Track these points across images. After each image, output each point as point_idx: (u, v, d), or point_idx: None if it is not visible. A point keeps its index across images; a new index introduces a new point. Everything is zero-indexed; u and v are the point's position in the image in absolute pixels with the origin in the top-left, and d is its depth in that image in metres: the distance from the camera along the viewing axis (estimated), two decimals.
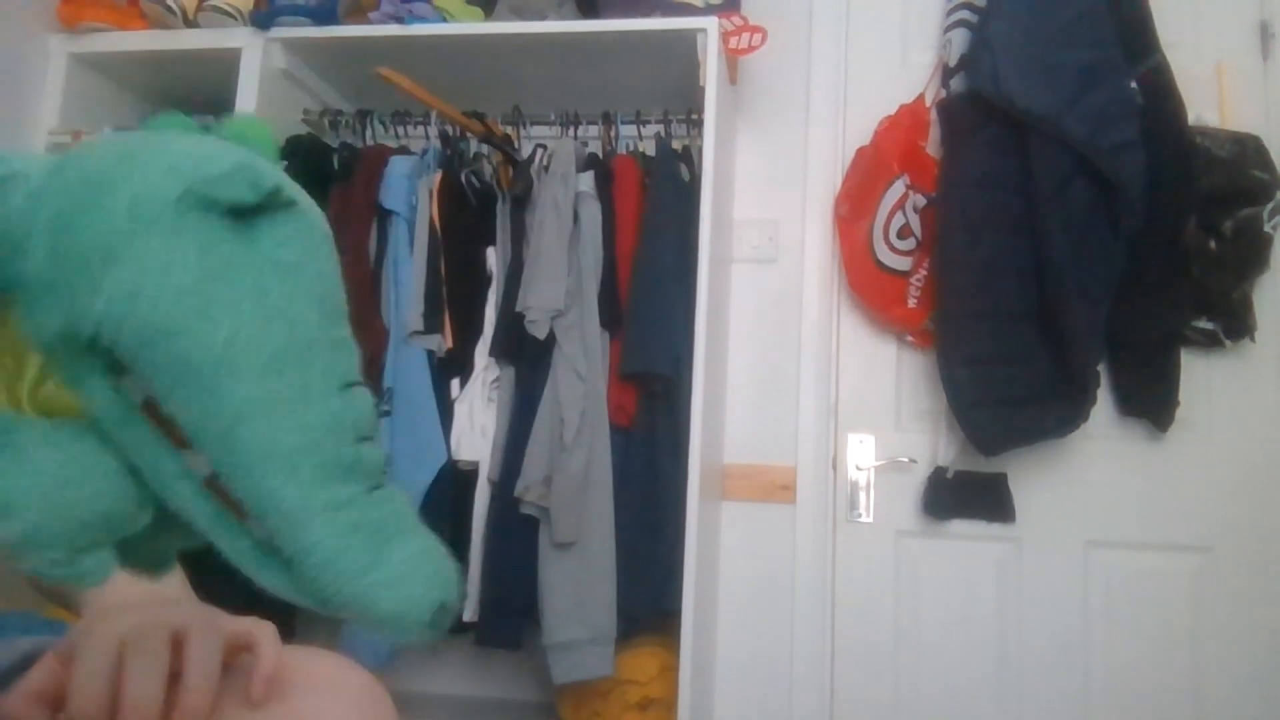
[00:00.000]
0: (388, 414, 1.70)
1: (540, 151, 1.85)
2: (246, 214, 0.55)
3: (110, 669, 0.50)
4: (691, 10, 1.79)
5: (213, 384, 0.54)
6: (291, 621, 1.77)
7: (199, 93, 1.87)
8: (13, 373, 0.60)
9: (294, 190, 0.60)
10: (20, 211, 0.54)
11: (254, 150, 0.62)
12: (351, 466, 0.58)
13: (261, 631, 0.58)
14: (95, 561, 0.59)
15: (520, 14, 1.82)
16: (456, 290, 1.76)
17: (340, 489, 0.57)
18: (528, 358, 1.72)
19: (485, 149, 1.91)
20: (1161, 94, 1.76)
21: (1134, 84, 1.75)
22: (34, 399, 0.60)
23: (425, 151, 1.85)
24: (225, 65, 1.81)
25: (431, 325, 1.73)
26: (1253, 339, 1.83)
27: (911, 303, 1.90)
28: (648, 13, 1.76)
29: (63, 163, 0.56)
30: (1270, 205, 1.77)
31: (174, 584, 0.60)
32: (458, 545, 1.69)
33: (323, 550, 0.56)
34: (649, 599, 1.66)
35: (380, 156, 1.84)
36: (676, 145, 1.86)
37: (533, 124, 1.91)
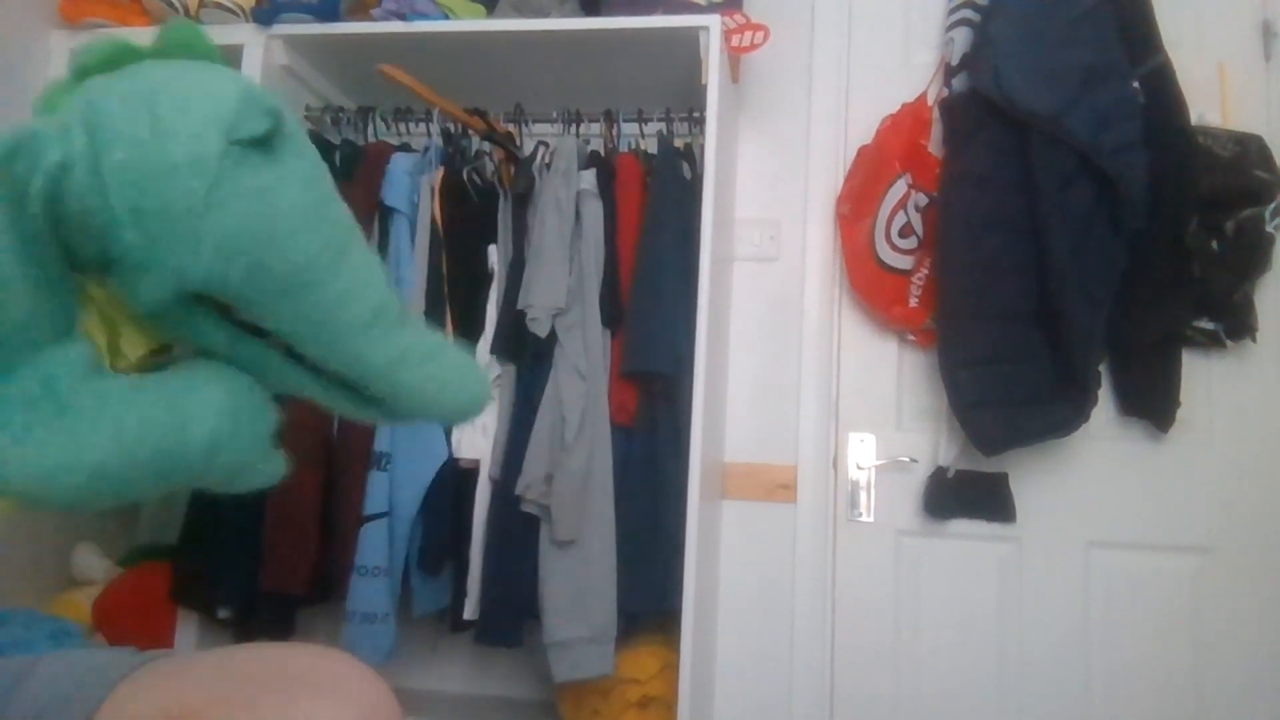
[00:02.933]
0: None
1: (542, 149, 1.84)
2: (266, 139, 0.63)
3: None
4: (694, 8, 1.79)
5: (312, 288, 0.65)
6: (291, 621, 1.77)
7: None
8: (110, 329, 0.68)
9: (270, 95, 0.68)
10: (90, 194, 0.59)
11: (199, 55, 0.69)
12: (398, 315, 0.72)
13: None
14: (274, 461, 0.74)
15: (522, 11, 1.82)
16: (458, 288, 1.76)
17: (399, 336, 0.71)
18: (529, 356, 1.72)
19: (487, 146, 1.90)
20: (1163, 94, 1.76)
21: (1136, 84, 1.75)
22: (124, 355, 0.69)
23: (427, 149, 1.85)
24: (227, 62, 1.80)
25: (432, 323, 1.73)
26: (1254, 339, 1.83)
27: (913, 302, 1.90)
28: (650, 10, 1.75)
29: (95, 128, 0.60)
30: (1272, 205, 1.77)
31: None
32: (458, 543, 1.70)
33: (409, 388, 0.72)
34: (649, 598, 1.66)
35: (382, 153, 1.84)
36: (678, 143, 1.86)
37: (534, 121, 1.91)
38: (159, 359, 0.71)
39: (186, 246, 0.60)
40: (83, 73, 0.66)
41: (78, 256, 0.63)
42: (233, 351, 0.69)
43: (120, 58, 0.66)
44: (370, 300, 0.69)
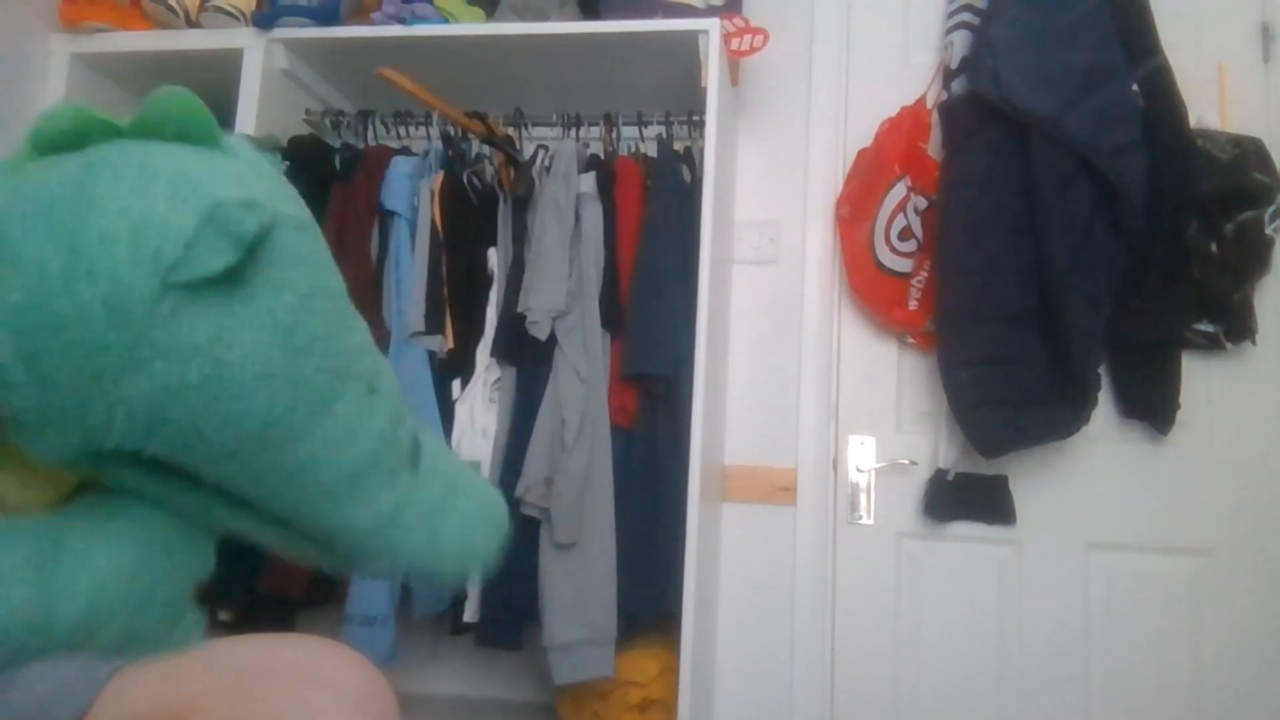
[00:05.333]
0: None
1: (542, 152, 1.85)
2: (231, 273, 0.48)
3: None
4: (693, 11, 1.79)
5: (271, 449, 0.51)
6: (291, 623, 1.77)
7: (201, 93, 1.83)
8: (12, 462, 0.56)
9: (268, 199, 0.52)
10: None
11: (191, 133, 0.54)
12: (402, 455, 0.59)
13: None
14: (188, 626, 0.62)
15: (522, 15, 1.82)
16: (458, 291, 1.76)
17: (393, 490, 0.58)
18: (529, 358, 1.72)
19: (487, 150, 1.91)
20: (1162, 96, 1.76)
21: (1135, 86, 1.75)
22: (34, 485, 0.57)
23: (427, 152, 1.85)
24: (227, 66, 1.81)
25: (433, 326, 1.73)
26: (1253, 341, 1.83)
27: (912, 304, 1.90)
28: (649, 14, 1.76)
29: None
30: (1271, 208, 1.77)
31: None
32: None
33: (402, 552, 0.60)
34: (649, 600, 1.66)
35: (382, 157, 1.84)
36: (678, 146, 1.87)
37: (534, 125, 1.92)
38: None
39: (95, 412, 0.47)
40: (41, 144, 0.52)
41: None
42: (166, 498, 0.56)
43: (88, 132, 0.52)
44: (358, 452, 0.55)
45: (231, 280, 0.48)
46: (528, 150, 1.89)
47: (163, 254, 0.46)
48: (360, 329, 0.60)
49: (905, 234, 1.89)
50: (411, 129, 1.94)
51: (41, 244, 0.46)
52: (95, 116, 0.52)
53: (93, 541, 0.53)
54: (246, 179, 0.53)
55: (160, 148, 0.52)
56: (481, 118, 1.88)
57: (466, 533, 0.63)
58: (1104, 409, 1.86)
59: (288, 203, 0.55)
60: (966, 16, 1.88)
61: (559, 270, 1.71)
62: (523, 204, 1.80)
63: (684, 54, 1.73)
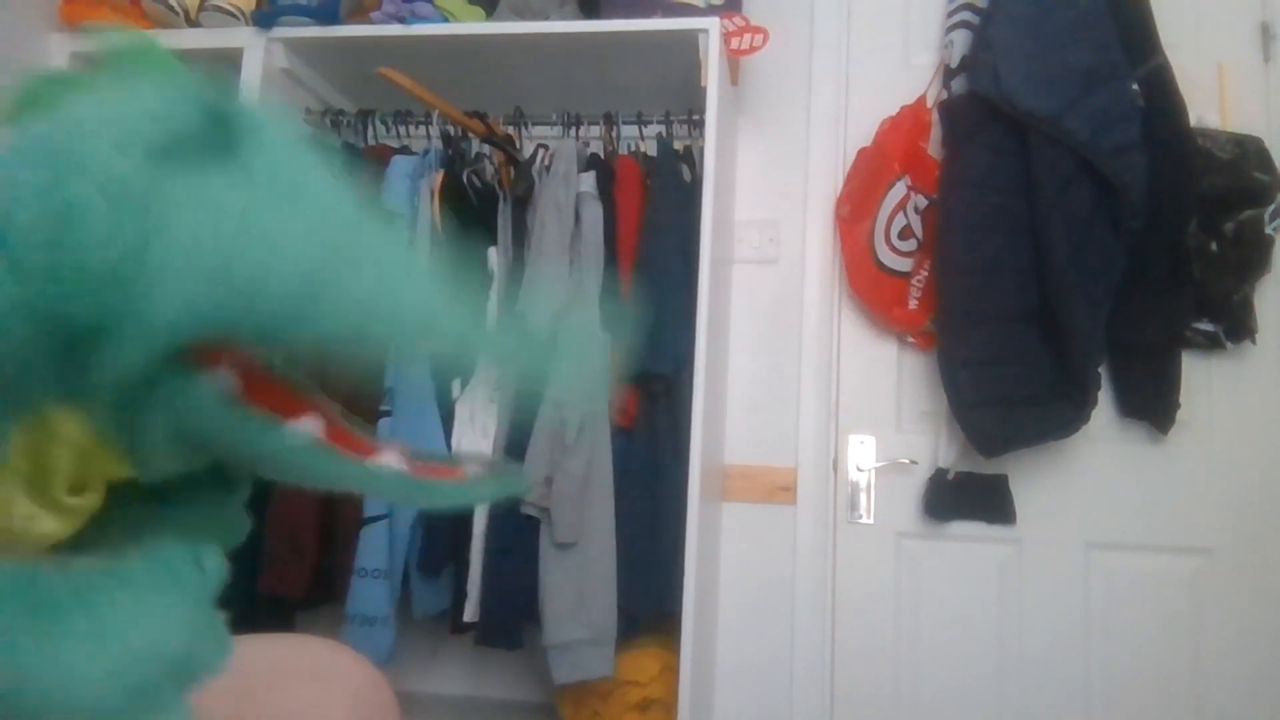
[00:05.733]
0: (389, 414, 1.70)
1: (542, 152, 1.84)
2: (213, 141, 0.49)
3: None
4: (693, 11, 1.79)
5: (324, 292, 0.50)
6: (291, 624, 1.77)
7: None
8: (37, 476, 0.54)
9: (218, 91, 0.53)
10: (10, 289, 0.45)
11: (151, 69, 0.55)
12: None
13: None
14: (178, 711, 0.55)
15: (522, 14, 1.82)
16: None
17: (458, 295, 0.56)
18: None
19: (487, 149, 1.91)
20: (1163, 95, 1.76)
21: (1135, 85, 1.75)
22: (64, 501, 0.54)
23: (427, 151, 1.85)
24: (227, 65, 1.81)
25: None
26: (1254, 341, 1.83)
27: (912, 304, 1.90)
28: (649, 13, 1.76)
29: None
30: (1271, 207, 1.77)
31: None
32: (458, 545, 1.70)
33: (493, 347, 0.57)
34: (649, 600, 1.66)
35: (382, 156, 1.84)
36: (678, 146, 1.86)
37: (534, 124, 1.91)
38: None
39: (143, 293, 0.46)
40: (16, 110, 0.52)
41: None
42: (219, 428, 0.53)
43: (46, 93, 0.52)
44: (414, 261, 0.55)
45: (223, 149, 0.50)
46: (528, 149, 1.89)
47: (136, 129, 0.47)
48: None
49: (905, 233, 1.89)
50: (411, 128, 1.94)
51: (30, 165, 0.47)
52: (50, 80, 0.53)
53: (93, 610, 0.50)
54: (193, 80, 0.56)
55: (115, 80, 0.54)
56: (481, 117, 1.88)
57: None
58: (1104, 409, 1.86)
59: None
60: (966, 16, 1.89)
61: (559, 270, 1.70)
62: (523, 203, 1.80)
63: (684, 53, 1.73)
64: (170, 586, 0.53)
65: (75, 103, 0.51)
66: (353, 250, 0.52)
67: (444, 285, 0.56)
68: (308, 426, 0.54)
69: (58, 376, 0.48)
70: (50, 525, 0.53)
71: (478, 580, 1.68)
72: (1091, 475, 1.88)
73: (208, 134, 0.49)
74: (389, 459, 0.56)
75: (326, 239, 0.52)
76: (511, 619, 1.67)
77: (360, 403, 1.72)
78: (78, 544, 0.56)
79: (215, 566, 0.56)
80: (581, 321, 0.59)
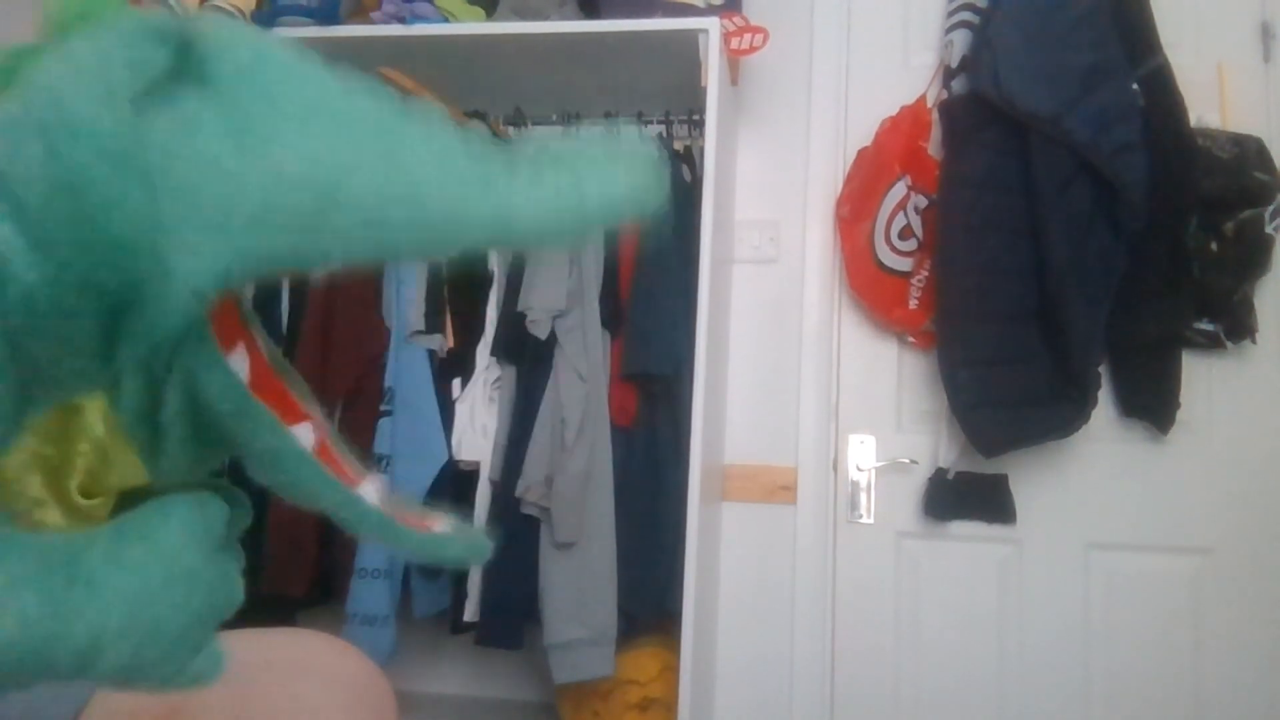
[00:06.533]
0: (389, 414, 1.71)
1: None
2: (190, 70, 0.45)
3: None
4: (693, 11, 1.79)
5: (348, 195, 0.43)
6: (292, 623, 1.77)
7: None
8: (57, 465, 0.53)
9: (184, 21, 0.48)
10: (35, 267, 0.46)
11: (97, 16, 0.49)
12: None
13: None
14: (205, 661, 0.54)
15: (522, 14, 1.82)
16: (458, 290, 1.76)
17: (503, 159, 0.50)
18: (529, 358, 1.72)
19: None
20: (1163, 95, 1.76)
21: (1135, 85, 1.75)
22: (75, 499, 0.54)
23: None
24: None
25: (433, 325, 1.73)
26: (1254, 340, 1.83)
27: (913, 304, 1.90)
28: (649, 13, 1.76)
29: None
30: (1271, 207, 1.77)
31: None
32: None
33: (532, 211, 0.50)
34: (650, 599, 1.67)
35: None
36: (678, 146, 1.87)
37: (534, 124, 1.92)
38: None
39: (167, 248, 0.43)
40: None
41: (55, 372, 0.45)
42: (233, 418, 0.48)
43: (7, 68, 0.48)
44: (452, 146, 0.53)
45: (201, 77, 0.45)
46: None
47: (122, 83, 0.44)
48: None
49: (905, 233, 1.89)
50: None
51: (17, 139, 0.43)
52: (14, 51, 0.49)
53: (110, 563, 0.48)
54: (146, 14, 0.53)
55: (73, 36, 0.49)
56: (482, 117, 1.88)
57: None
58: (1104, 409, 1.86)
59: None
60: (966, 15, 1.88)
61: (559, 269, 1.71)
62: None
63: (684, 53, 1.73)
64: (185, 529, 0.53)
65: (43, 69, 0.46)
66: (365, 143, 0.46)
67: (474, 153, 0.49)
68: (305, 435, 0.51)
69: (93, 353, 0.45)
70: (55, 518, 0.53)
71: (478, 580, 1.69)
72: (1091, 475, 1.88)
73: (182, 67, 0.46)
74: (367, 492, 0.55)
75: (332, 140, 0.46)
76: (511, 619, 1.67)
77: (360, 403, 1.72)
78: None
79: (221, 511, 0.55)
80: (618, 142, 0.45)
